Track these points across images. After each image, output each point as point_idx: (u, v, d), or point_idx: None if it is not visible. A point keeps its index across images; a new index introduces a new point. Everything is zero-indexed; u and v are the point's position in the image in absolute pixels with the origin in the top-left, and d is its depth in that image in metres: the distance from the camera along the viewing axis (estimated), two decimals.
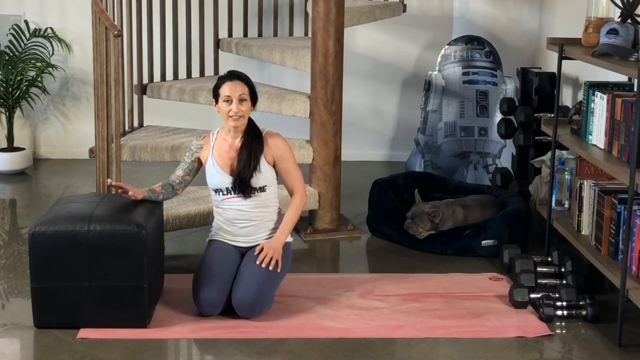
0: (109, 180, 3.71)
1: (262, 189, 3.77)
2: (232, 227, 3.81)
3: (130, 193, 3.71)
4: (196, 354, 3.53)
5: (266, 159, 3.77)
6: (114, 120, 4.25)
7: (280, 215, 3.89)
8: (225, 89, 3.71)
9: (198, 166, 3.87)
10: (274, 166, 3.82)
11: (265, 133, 3.81)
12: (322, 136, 4.75)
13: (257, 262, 3.69)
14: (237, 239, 3.83)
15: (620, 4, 3.96)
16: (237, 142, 3.77)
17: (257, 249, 3.75)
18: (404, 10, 5.95)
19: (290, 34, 6.10)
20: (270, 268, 3.69)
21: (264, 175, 3.76)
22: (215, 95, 3.76)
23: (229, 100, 3.70)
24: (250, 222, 3.80)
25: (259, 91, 4.84)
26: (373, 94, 6.62)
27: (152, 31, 5.15)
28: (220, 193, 3.78)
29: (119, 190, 3.72)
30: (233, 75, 3.77)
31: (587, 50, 3.96)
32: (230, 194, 3.76)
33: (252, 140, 3.75)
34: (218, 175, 3.77)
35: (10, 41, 6.09)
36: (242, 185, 3.73)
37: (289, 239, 3.86)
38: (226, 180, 3.75)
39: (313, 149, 4.77)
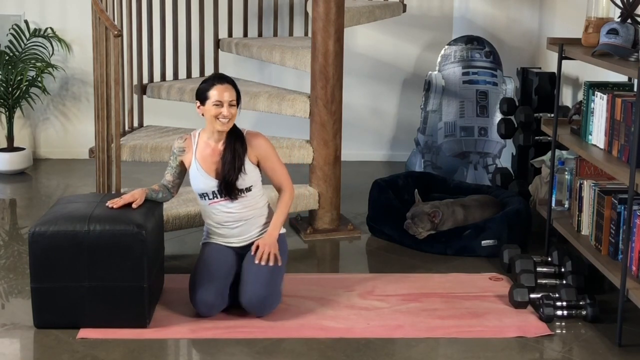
0: (109, 205, 3.67)
1: (248, 189, 3.76)
2: (224, 229, 3.81)
3: (134, 205, 3.69)
4: (196, 354, 3.53)
5: (250, 159, 3.76)
6: (114, 120, 4.25)
7: (271, 210, 3.90)
8: (215, 93, 3.67)
9: (184, 168, 3.85)
10: (258, 165, 3.81)
11: (246, 133, 3.79)
12: (322, 136, 4.75)
13: (256, 261, 3.69)
14: (230, 240, 3.83)
15: (620, 4, 3.96)
16: (220, 145, 3.75)
17: (253, 248, 3.75)
18: (404, 10, 5.95)
19: (290, 34, 6.10)
20: (271, 263, 3.70)
21: (249, 176, 3.75)
22: (203, 97, 3.71)
23: (219, 104, 3.68)
24: (240, 222, 3.80)
25: (259, 91, 4.88)
26: (373, 94, 6.62)
27: (152, 31, 5.15)
28: (206, 197, 3.76)
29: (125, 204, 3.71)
30: (223, 79, 3.74)
31: (587, 50, 3.96)
32: (217, 197, 3.75)
33: (235, 142, 3.73)
34: (203, 180, 3.75)
35: (10, 41, 6.09)
36: (228, 188, 3.72)
37: (282, 230, 3.86)
38: (212, 184, 3.74)
39: (313, 149, 4.77)
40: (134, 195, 3.71)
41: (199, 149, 3.78)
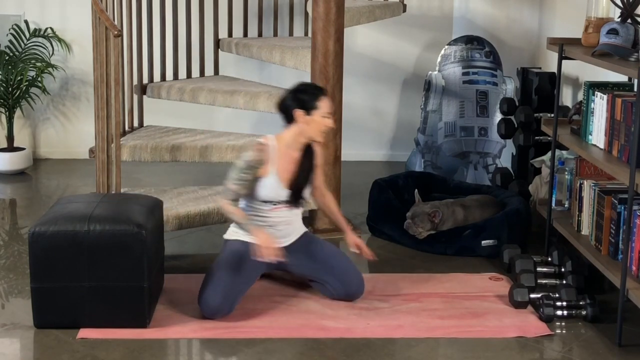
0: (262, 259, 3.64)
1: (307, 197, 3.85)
2: (273, 230, 3.78)
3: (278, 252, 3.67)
4: (196, 354, 3.53)
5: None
6: (114, 120, 4.25)
7: None
8: (326, 105, 3.72)
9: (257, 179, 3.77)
10: None
11: None
12: None
13: (371, 258, 4.00)
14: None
15: (620, 4, 3.96)
16: (296, 154, 3.78)
17: (355, 249, 3.94)
18: (404, 10, 5.95)
19: (290, 34, 6.10)
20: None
21: (311, 184, 3.86)
22: (310, 107, 3.70)
23: (328, 116, 3.72)
24: (287, 225, 3.83)
25: (259, 91, 4.88)
26: (373, 94, 6.62)
27: (152, 31, 5.15)
28: (270, 204, 3.76)
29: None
30: (325, 90, 3.82)
31: (587, 50, 3.96)
32: (281, 204, 3.76)
33: (311, 152, 3.81)
34: (276, 189, 3.73)
35: (10, 41, 6.09)
36: (298, 196, 3.78)
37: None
38: (283, 193, 3.75)
39: None
40: (266, 239, 3.64)
41: (278, 159, 3.75)
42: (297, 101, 3.71)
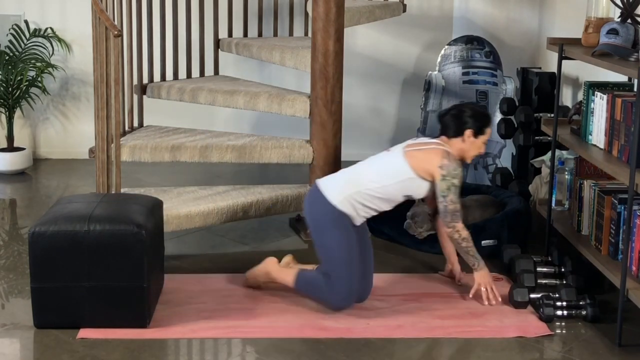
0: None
1: None
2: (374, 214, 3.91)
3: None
4: (196, 354, 3.53)
5: None
6: (114, 120, 4.26)
7: None
8: (489, 133, 3.92)
9: None
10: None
11: None
12: (322, 136, 4.75)
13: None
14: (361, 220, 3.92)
15: (620, 4, 3.96)
16: None
17: (458, 281, 4.13)
18: (404, 10, 5.95)
19: (290, 34, 6.10)
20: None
21: None
22: (481, 131, 3.88)
23: (486, 143, 3.91)
24: None
25: (259, 91, 4.88)
26: (373, 94, 6.62)
27: (152, 31, 5.14)
28: (411, 198, 3.93)
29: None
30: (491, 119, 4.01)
31: (587, 50, 3.96)
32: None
33: None
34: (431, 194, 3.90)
35: (10, 41, 6.09)
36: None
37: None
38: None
39: (313, 149, 4.77)
40: (490, 280, 3.95)
41: None
42: (471, 123, 3.86)
